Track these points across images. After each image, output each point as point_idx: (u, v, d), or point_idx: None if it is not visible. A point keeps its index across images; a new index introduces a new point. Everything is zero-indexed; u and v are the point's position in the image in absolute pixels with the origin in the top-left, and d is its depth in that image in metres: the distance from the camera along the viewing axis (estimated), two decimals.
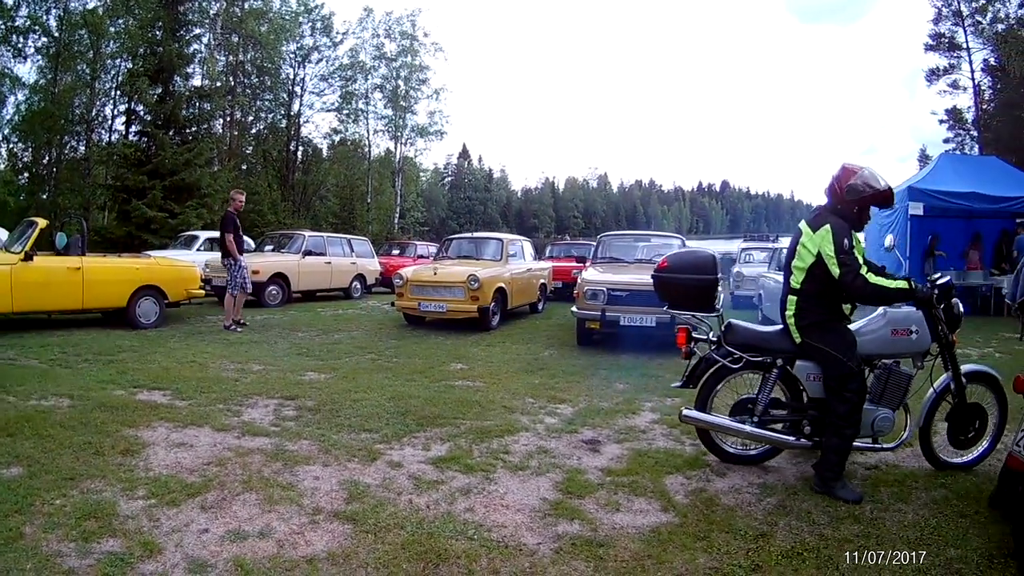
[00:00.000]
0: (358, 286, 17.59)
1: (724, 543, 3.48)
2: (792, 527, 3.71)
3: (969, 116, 35.05)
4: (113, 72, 27.20)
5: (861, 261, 4.18)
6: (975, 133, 34.54)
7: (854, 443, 4.38)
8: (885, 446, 4.54)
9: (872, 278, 4.14)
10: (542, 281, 14.18)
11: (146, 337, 9.39)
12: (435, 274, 11.17)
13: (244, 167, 33.70)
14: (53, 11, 25.19)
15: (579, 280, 10.35)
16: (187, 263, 11.77)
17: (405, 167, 39.62)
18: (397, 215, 38.36)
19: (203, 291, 11.94)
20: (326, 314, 13.38)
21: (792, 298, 4.38)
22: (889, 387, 4.43)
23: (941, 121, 36.35)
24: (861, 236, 4.39)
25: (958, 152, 32.52)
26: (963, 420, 4.63)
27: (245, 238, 19.11)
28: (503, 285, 11.57)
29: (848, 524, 3.76)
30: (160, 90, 26.13)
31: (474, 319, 10.96)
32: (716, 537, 3.55)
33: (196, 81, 29.18)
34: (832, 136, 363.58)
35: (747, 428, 4.56)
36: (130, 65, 26.80)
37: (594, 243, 13.38)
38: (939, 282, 4.50)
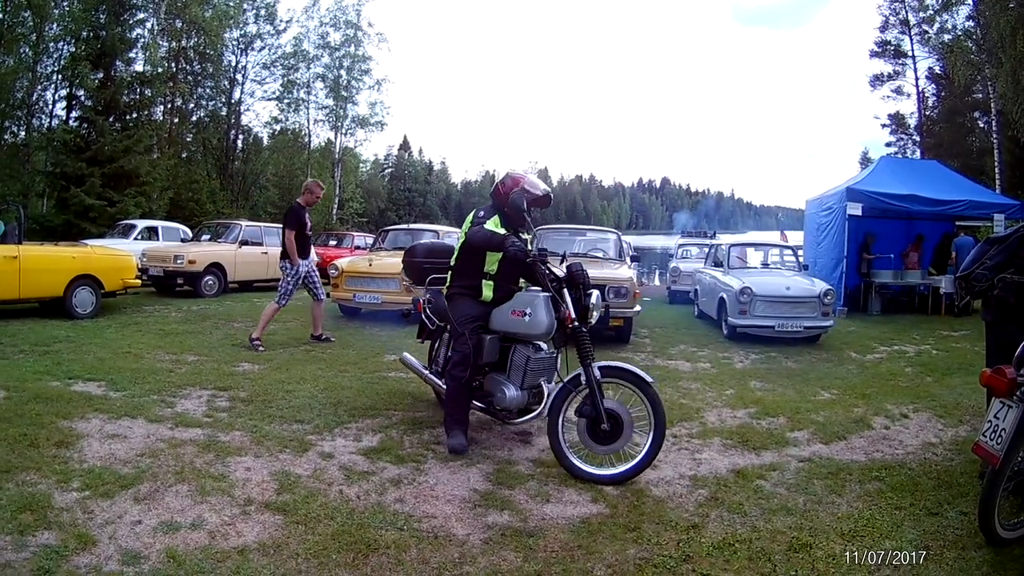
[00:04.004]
0: None
1: (655, 534, 3.48)
2: (724, 519, 3.70)
3: (912, 121, 35.11)
4: (56, 56, 26.01)
5: (493, 228, 4.73)
6: (917, 138, 34.71)
7: (488, 412, 4.91)
8: (508, 421, 4.82)
9: (487, 226, 4.75)
10: None
11: (82, 327, 9.12)
12: (370, 265, 11.02)
13: (184, 155, 32.50)
14: None
15: None
16: (124, 252, 11.45)
17: (345, 157, 38.78)
18: (336, 206, 37.57)
19: (139, 281, 11.68)
20: (262, 304, 13.01)
21: (450, 272, 5.06)
22: (512, 365, 4.69)
23: (884, 125, 36.21)
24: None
25: (900, 156, 32.63)
26: (597, 419, 4.25)
27: (180, 227, 18.74)
28: None
29: (781, 516, 3.75)
30: (101, 75, 25.12)
31: (409, 310, 10.84)
32: (646, 528, 3.54)
33: (138, 67, 27.95)
34: (775, 137, 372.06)
35: (430, 376, 5.34)
36: (72, 49, 25.64)
37: None
38: (564, 264, 4.67)
